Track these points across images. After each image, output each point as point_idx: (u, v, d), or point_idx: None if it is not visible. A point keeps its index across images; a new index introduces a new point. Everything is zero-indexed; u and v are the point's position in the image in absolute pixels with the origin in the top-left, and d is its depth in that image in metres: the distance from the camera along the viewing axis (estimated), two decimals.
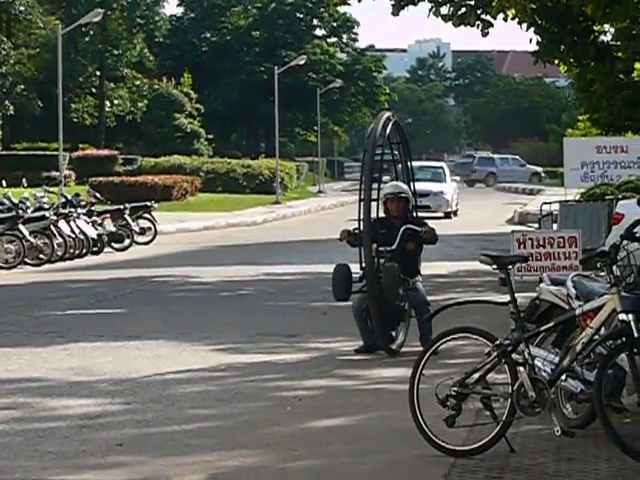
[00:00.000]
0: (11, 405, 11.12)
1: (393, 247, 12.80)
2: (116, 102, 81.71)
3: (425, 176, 42.90)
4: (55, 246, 29.41)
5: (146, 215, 37.43)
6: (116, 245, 34.76)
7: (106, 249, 33.70)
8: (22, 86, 72.99)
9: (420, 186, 29.32)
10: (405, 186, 13.79)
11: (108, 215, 35.85)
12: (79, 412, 10.46)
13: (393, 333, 13.27)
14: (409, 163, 15.19)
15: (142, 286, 25.17)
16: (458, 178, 58.71)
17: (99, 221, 34.27)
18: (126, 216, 35.34)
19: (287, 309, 20.53)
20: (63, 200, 34.70)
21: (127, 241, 35.39)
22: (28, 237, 28.66)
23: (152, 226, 37.33)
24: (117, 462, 8.21)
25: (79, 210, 32.73)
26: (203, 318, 19.45)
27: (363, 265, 13.07)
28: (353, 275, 13.52)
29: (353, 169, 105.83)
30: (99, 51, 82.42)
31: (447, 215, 41.52)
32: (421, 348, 10.54)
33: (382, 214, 13.70)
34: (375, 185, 13.92)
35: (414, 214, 14.06)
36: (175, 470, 7.93)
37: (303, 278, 26.55)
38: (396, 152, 15.44)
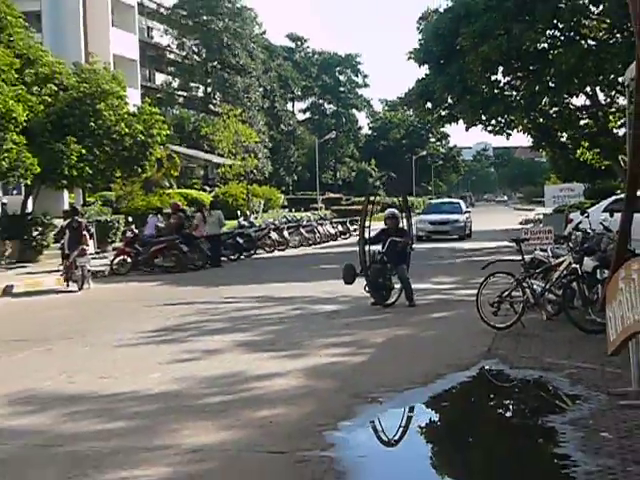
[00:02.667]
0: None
1: (383, 250, 19.73)
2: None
3: (447, 209, 52.85)
4: (316, 237, 49.23)
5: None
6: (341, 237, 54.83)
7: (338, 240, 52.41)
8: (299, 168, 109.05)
9: (442, 217, 50.17)
10: (396, 211, 21.05)
11: (337, 223, 58.46)
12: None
13: (389, 298, 19.84)
14: (407, 202, 23.88)
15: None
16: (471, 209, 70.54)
17: (334, 225, 56.36)
18: (347, 224, 57.59)
19: None
20: (319, 216, 61.21)
21: (347, 235, 55.41)
22: (304, 233, 47.81)
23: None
24: None
25: (326, 220, 57.28)
26: None
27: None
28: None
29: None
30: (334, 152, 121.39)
31: (461, 237, 48.60)
32: (407, 303, 19.34)
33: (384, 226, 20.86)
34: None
35: (402, 227, 20.82)
36: None
37: None
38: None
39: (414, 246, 21.39)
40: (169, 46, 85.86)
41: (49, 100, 33.64)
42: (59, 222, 29.99)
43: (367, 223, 20.83)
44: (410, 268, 19.55)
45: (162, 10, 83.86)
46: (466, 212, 53.00)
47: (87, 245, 26.49)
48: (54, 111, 33.48)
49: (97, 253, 34.20)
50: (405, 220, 21.45)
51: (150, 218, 34.25)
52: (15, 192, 38.87)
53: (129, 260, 30.82)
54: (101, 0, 65.87)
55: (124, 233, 35.33)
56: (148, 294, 23.92)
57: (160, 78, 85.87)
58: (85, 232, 26.55)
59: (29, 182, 34.02)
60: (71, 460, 8.48)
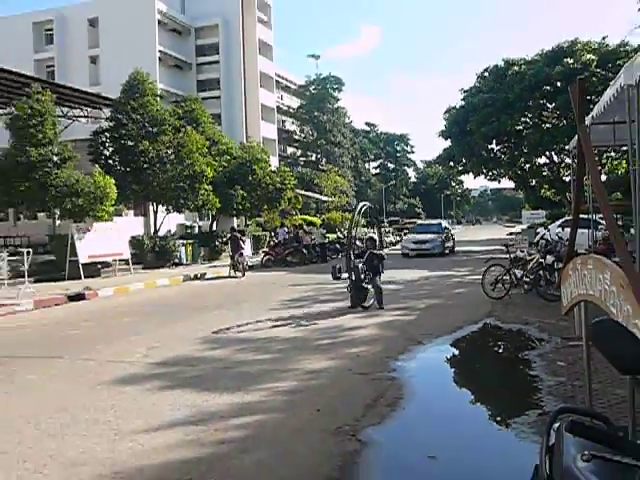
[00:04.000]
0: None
1: (363, 260, 15.57)
2: None
3: (428, 230, 37.66)
4: (384, 244, 39.37)
5: None
6: None
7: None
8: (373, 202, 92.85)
9: (423, 237, 35.77)
10: (374, 235, 16.96)
11: (397, 234, 53.35)
12: None
13: (365, 302, 15.24)
14: (378, 223, 20.34)
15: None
16: (475, 226, 65.95)
17: (394, 235, 52.50)
18: (402, 234, 48.00)
19: None
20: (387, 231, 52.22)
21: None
22: None
23: None
24: None
25: (390, 234, 50.78)
26: None
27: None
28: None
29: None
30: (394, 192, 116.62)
31: (441, 254, 34.93)
32: (378, 307, 14.99)
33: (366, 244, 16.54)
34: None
35: (379, 246, 16.77)
36: None
37: None
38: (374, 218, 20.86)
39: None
40: (295, 131, 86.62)
41: (225, 164, 34.09)
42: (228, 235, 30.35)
43: (354, 232, 16.78)
44: (436, 263, 19.36)
45: (291, 110, 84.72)
46: (446, 230, 38.52)
47: (243, 249, 26.80)
48: (228, 171, 33.91)
49: (253, 254, 34.49)
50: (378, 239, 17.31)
51: (279, 229, 35.06)
52: (206, 219, 39.46)
53: (272, 258, 31.05)
54: (254, 105, 66.63)
55: (268, 242, 35.82)
56: (283, 279, 24.07)
57: (289, 150, 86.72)
58: (241, 241, 26.87)
59: (214, 213, 34.71)
60: (241, 376, 8.61)
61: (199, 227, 38.47)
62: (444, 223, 41.40)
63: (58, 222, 27.25)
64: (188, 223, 38.30)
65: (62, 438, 6.35)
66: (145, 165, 29.25)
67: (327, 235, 37.32)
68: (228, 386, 8.13)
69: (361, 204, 17.13)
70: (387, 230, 52.56)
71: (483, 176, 49.18)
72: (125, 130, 29.41)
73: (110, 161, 29.83)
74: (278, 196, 35.74)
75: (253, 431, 6.42)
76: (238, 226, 34.74)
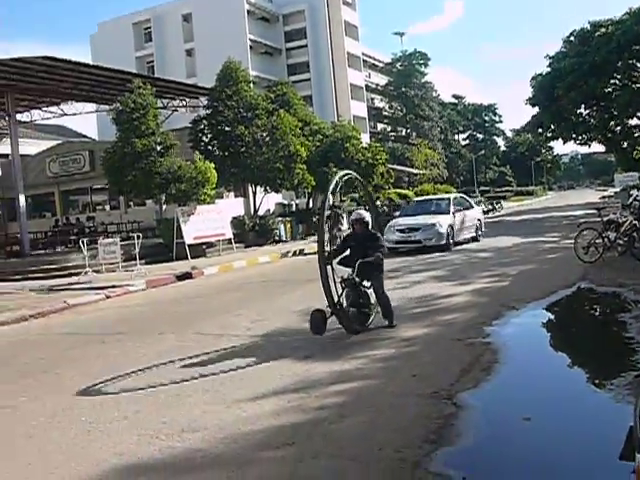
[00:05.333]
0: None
1: (353, 274, 9.34)
2: None
3: (426, 209, 23.54)
4: None
5: None
6: None
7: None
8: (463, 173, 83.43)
9: (411, 222, 22.18)
10: (364, 213, 10.09)
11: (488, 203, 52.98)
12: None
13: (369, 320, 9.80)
14: (371, 198, 12.71)
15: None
16: (569, 192, 58.80)
17: (486, 205, 50.13)
18: (493, 203, 51.19)
19: None
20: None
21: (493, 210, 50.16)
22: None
23: None
24: None
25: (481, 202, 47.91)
26: None
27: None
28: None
29: None
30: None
31: (442, 248, 21.25)
32: (388, 324, 9.65)
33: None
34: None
35: (372, 231, 9.98)
36: None
37: None
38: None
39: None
40: (384, 108, 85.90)
41: (318, 144, 34.18)
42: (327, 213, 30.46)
43: (327, 236, 9.79)
44: (530, 228, 18.41)
45: (379, 88, 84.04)
46: (457, 211, 23.33)
47: (342, 225, 26.86)
48: (321, 150, 33.96)
49: (348, 229, 34.44)
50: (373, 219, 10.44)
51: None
52: (302, 197, 39.73)
53: None
54: (343, 85, 66.48)
55: None
56: None
57: (379, 126, 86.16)
58: (340, 217, 26.91)
59: (309, 191, 34.94)
60: (339, 345, 8.69)
61: (296, 205, 38.72)
62: (460, 199, 26.25)
63: (164, 207, 28.06)
64: (285, 202, 38.60)
65: (175, 408, 6.58)
66: (242, 148, 29.70)
67: None
68: (327, 355, 8.21)
69: (340, 174, 10.53)
70: (478, 200, 51.62)
71: (573, 141, 48.04)
72: (222, 116, 29.90)
73: (209, 147, 30.44)
74: (371, 171, 35.55)
75: (351, 397, 6.46)
76: (334, 202, 34.78)
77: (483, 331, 8.96)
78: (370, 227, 10.03)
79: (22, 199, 26.84)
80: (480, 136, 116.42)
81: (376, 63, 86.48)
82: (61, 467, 5.24)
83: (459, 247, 22.35)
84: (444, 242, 21.59)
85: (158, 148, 25.22)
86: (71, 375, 8.33)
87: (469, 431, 5.44)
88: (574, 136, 46.70)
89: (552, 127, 46.43)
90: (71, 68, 25.53)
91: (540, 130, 48.79)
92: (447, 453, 4.96)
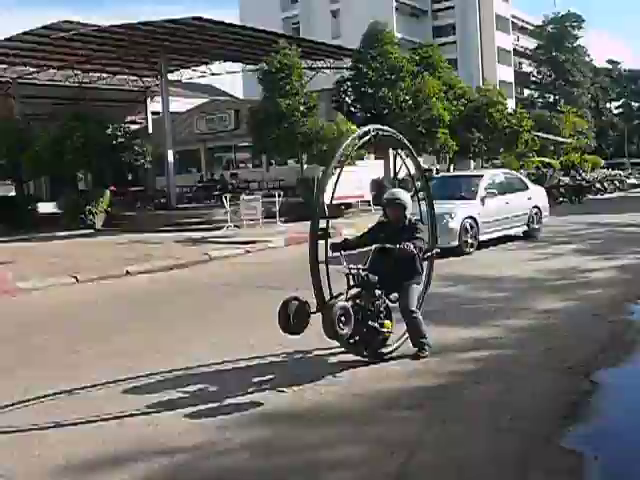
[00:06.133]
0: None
1: (366, 266, 6.48)
2: None
3: (449, 192, 15.82)
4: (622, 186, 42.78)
5: None
6: None
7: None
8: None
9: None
10: (401, 193, 6.93)
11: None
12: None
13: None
14: (414, 156, 7.90)
15: None
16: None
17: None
18: None
19: None
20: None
21: None
22: (617, 183, 41.95)
23: None
24: None
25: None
26: None
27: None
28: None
29: None
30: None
31: (456, 251, 14.08)
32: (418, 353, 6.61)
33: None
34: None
35: (412, 220, 6.85)
36: None
37: None
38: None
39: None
40: (532, 73, 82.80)
41: (462, 108, 33.51)
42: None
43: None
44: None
45: (528, 52, 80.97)
46: (491, 195, 15.74)
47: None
48: (464, 115, 33.32)
49: None
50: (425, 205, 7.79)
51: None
52: (442, 162, 39.13)
53: None
54: (490, 49, 64.57)
55: None
56: None
57: (526, 92, 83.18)
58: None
59: (451, 156, 34.45)
60: (474, 313, 8.63)
61: (437, 170, 38.24)
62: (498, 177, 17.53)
63: (305, 166, 28.51)
64: (426, 166, 38.21)
65: (304, 361, 6.79)
66: (385, 111, 29.59)
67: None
68: (462, 321, 8.17)
69: (360, 131, 6.90)
70: (629, 172, 49.05)
71: None
72: (365, 78, 29.88)
73: (352, 108, 30.56)
74: (514, 138, 34.50)
75: (485, 364, 6.42)
76: (474, 169, 34.13)
77: (627, 308, 8.62)
78: (409, 213, 6.90)
79: (170, 155, 28.23)
80: (636, 104, 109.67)
81: (525, 26, 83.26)
82: None
83: (486, 249, 15.44)
84: (456, 243, 14.47)
85: (301, 108, 25.54)
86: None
87: (605, 410, 5.30)
88: None
89: None
90: (219, 29, 26.29)
91: None
92: (580, 430, 4.85)
